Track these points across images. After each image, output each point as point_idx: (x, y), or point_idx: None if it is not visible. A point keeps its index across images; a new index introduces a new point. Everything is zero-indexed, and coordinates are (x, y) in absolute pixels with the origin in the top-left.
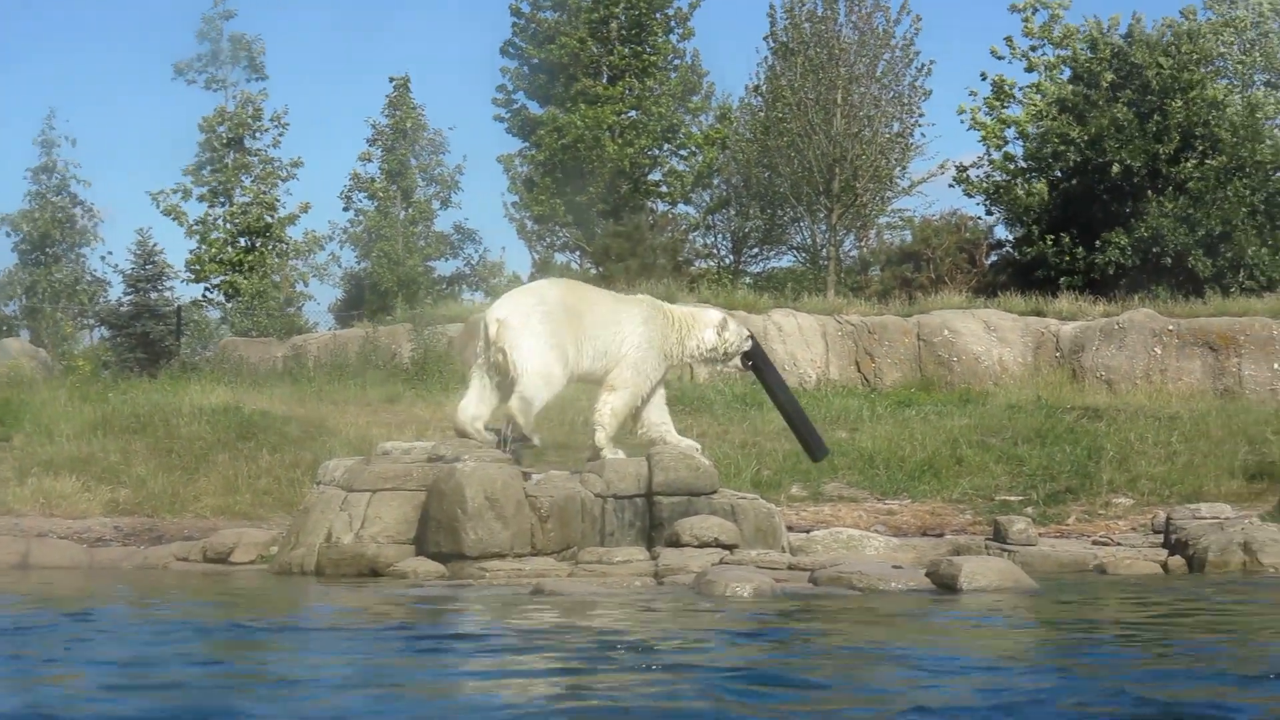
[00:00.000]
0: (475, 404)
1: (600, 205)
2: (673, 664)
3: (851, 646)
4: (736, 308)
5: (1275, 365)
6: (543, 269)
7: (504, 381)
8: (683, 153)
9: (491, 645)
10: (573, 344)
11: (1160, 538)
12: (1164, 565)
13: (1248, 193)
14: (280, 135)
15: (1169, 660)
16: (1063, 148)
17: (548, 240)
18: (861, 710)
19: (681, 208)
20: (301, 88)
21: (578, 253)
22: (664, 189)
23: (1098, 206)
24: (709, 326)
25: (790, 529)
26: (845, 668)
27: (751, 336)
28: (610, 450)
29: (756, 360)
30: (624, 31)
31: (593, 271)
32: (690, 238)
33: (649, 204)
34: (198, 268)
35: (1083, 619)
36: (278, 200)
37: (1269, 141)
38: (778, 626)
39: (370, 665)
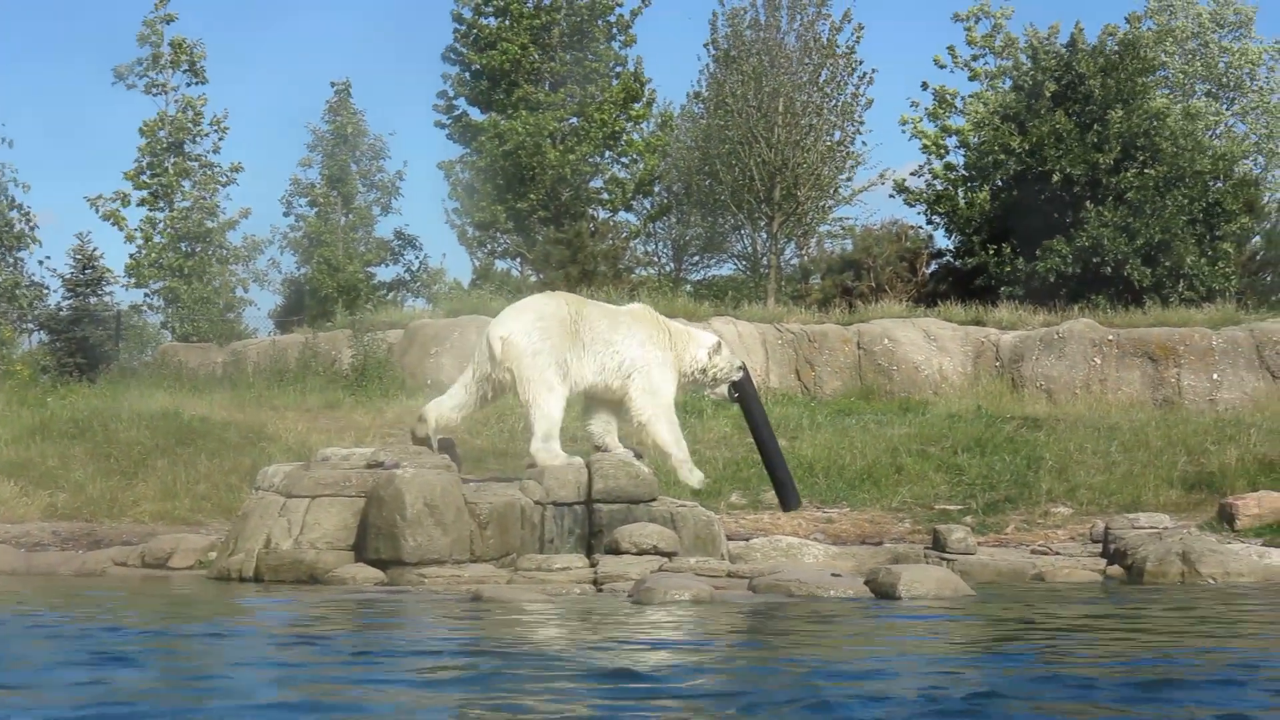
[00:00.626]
0: (448, 408)
1: (541, 212)
2: (604, 671)
3: (787, 654)
4: (676, 315)
5: (1214, 376)
6: (483, 276)
7: (496, 396)
8: (624, 160)
9: (421, 650)
10: (574, 359)
11: (1099, 547)
12: (1103, 574)
13: (1187, 202)
14: (220, 140)
15: (1091, 669)
16: (1003, 157)
17: (488, 247)
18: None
19: (622, 215)
20: (242, 92)
21: (518, 259)
22: (605, 196)
23: (1038, 216)
24: (702, 347)
25: (729, 537)
26: (777, 675)
27: (743, 368)
28: (693, 474)
29: (744, 393)
30: (566, 38)
31: (533, 279)
32: (631, 245)
33: (590, 211)
34: (137, 272)
35: (1018, 628)
36: (218, 205)
37: (1208, 152)
38: (714, 634)
39: (292, 670)
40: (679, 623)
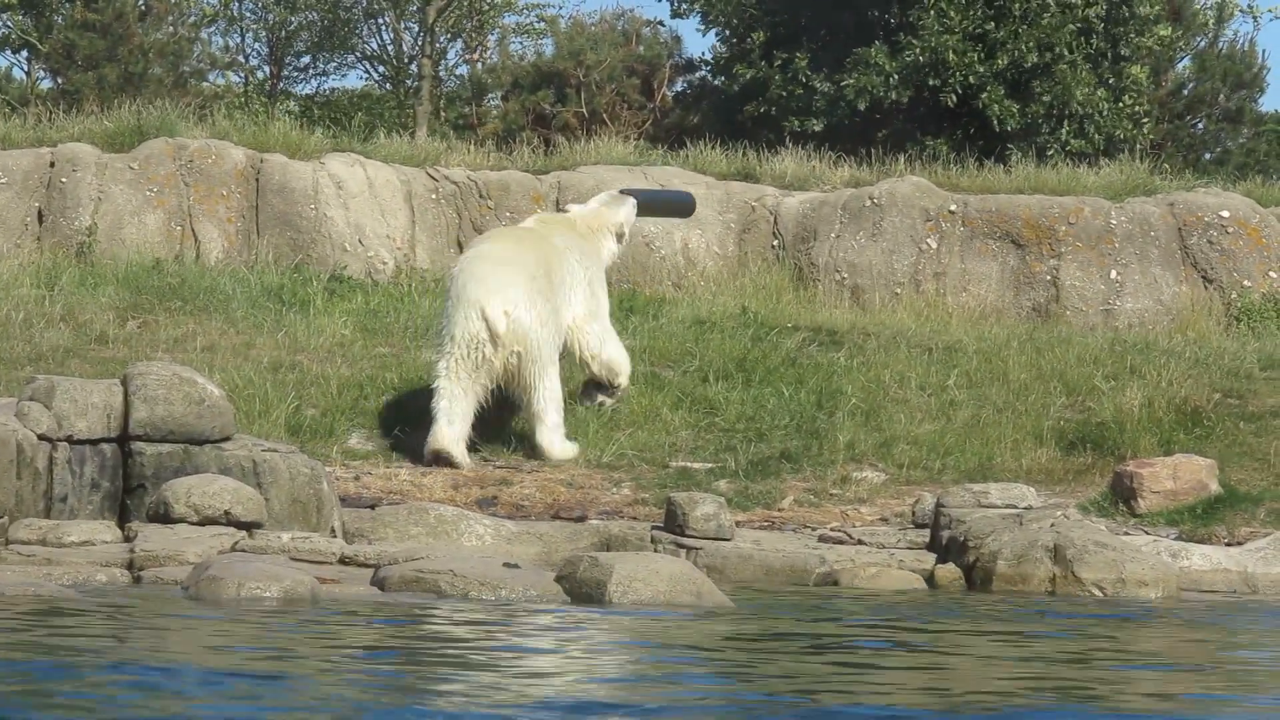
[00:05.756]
0: (461, 422)
1: None
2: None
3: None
4: (272, 149)
5: (1113, 274)
6: None
7: (497, 384)
8: None
9: None
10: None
11: (925, 534)
12: (929, 577)
13: (1079, 2)
14: None
15: None
16: None
17: None
18: None
19: None
20: None
21: (24, 53)
22: None
23: (849, 14)
24: (606, 216)
25: (346, 501)
26: None
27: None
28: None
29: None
30: None
31: (47, 84)
32: (204, 36)
33: None
34: None
35: (771, 673)
36: None
37: None
38: (304, 656)
39: None
40: (256, 634)
